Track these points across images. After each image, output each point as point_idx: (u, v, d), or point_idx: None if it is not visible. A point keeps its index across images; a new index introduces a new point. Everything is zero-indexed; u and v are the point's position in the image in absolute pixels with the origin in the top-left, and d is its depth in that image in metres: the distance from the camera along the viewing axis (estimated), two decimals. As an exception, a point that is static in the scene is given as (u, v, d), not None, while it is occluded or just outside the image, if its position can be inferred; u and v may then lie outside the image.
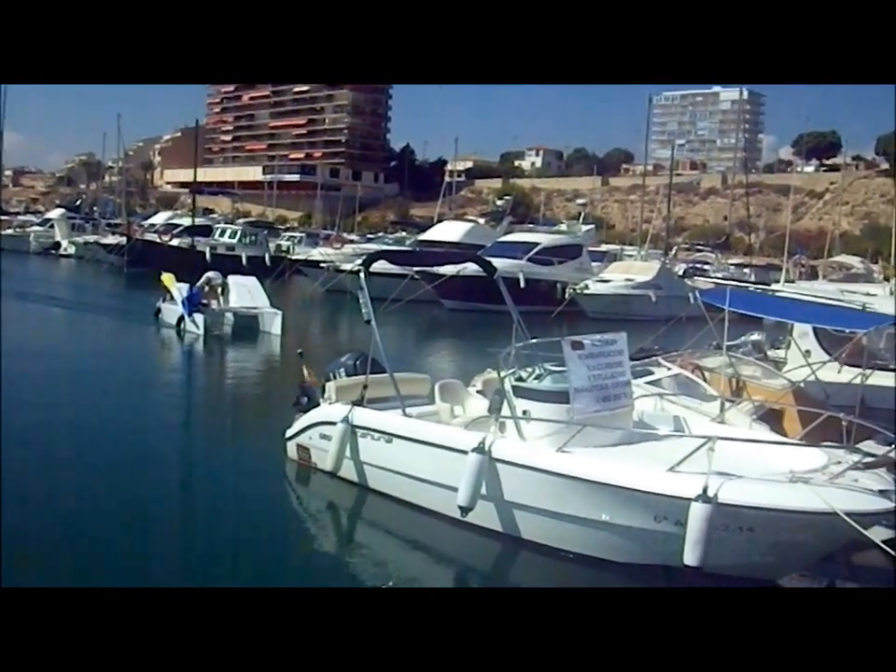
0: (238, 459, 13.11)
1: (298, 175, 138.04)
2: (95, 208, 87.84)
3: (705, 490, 8.06)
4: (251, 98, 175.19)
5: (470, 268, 14.92)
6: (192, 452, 13.86)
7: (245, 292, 27.58)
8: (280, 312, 26.50)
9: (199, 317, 25.30)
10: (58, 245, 65.19)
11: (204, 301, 26.34)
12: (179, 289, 26.32)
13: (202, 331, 24.97)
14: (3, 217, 74.50)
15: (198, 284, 26.70)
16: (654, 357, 14.33)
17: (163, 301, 27.55)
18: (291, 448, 12.48)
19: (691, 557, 8.07)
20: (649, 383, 12.85)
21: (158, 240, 53.26)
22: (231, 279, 28.05)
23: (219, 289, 27.52)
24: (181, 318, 25.80)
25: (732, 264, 58.82)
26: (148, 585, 7.49)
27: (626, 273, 41.23)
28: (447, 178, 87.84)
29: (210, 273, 27.78)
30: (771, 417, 11.96)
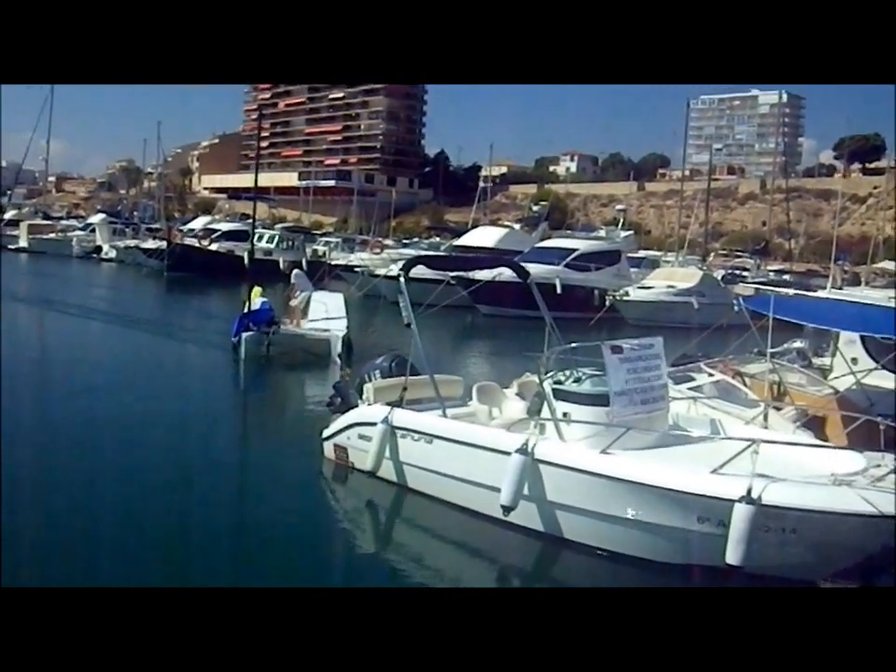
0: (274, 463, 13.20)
1: (333, 181, 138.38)
2: (135, 213, 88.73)
3: (749, 491, 8.18)
4: (287, 105, 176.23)
5: (506, 273, 14.95)
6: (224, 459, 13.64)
7: (321, 311, 23.48)
8: (340, 335, 21.88)
9: (244, 338, 21.12)
10: (99, 249, 65.82)
11: (276, 321, 22.32)
12: (253, 304, 22.19)
13: (242, 355, 20.98)
14: (47, 222, 75.69)
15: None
16: (696, 363, 14.29)
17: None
18: (328, 448, 12.56)
19: (733, 557, 8.19)
20: (690, 388, 12.82)
21: (197, 244, 53.90)
22: (315, 294, 24.42)
23: (304, 305, 23.83)
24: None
25: (771, 270, 58.21)
26: (186, 585, 7.51)
27: (668, 280, 40.84)
28: (481, 184, 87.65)
29: (297, 279, 24.73)
30: (813, 424, 11.91)
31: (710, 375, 13.61)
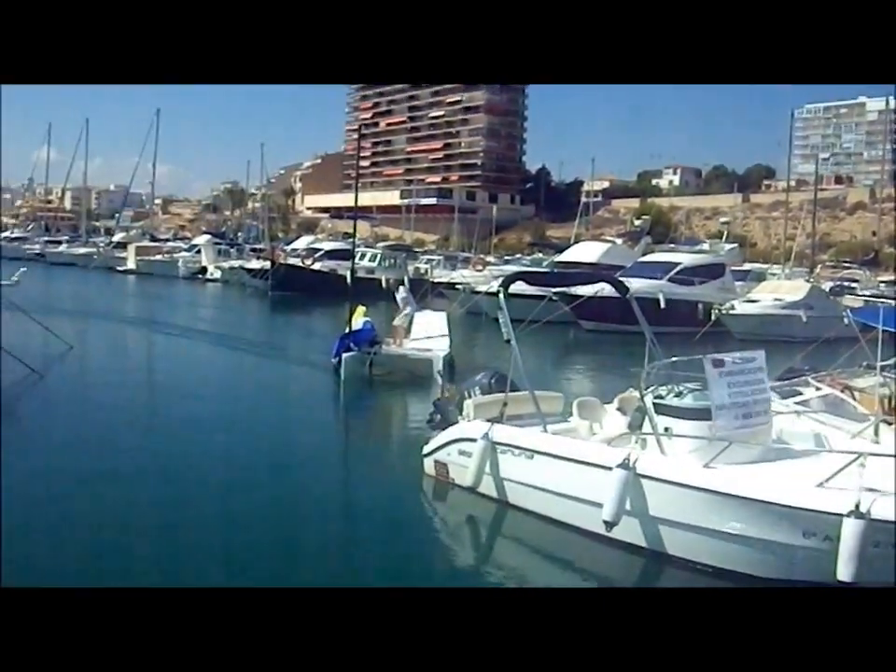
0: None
1: (435, 199, 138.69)
2: (239, 234, 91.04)
3: (857, 506, 8.01)
4: (388, 124, 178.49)
5: (608, 289, 14.91)
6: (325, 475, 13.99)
7: (424, 330, 23.55)
8: (442, 354, 21.42)
9: (345, 358, 20.73)
10: (204, 269, 67.43)
11: (378, 340, 21.98)
12: (356, 324, 21.83)
13: (342, 377, 20.54)
14: (154, 244, 78.07)
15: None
16: (803, 377, 14.01)
17: None
18: (428, 464, 12.66)
19: (844, 573, 8.01)
20: (797, 402, 12.58)
21: (300, 264, 54.84)
22: (418, 313, 24.73)
23: (407, 324, 23.86)
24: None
25: (882, 281, 56.42)
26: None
27: (775, 293, 39.91)
28: (583, 199, 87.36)
29: (404, 296, 24.55)
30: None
31: (818, 389, 13.33)
